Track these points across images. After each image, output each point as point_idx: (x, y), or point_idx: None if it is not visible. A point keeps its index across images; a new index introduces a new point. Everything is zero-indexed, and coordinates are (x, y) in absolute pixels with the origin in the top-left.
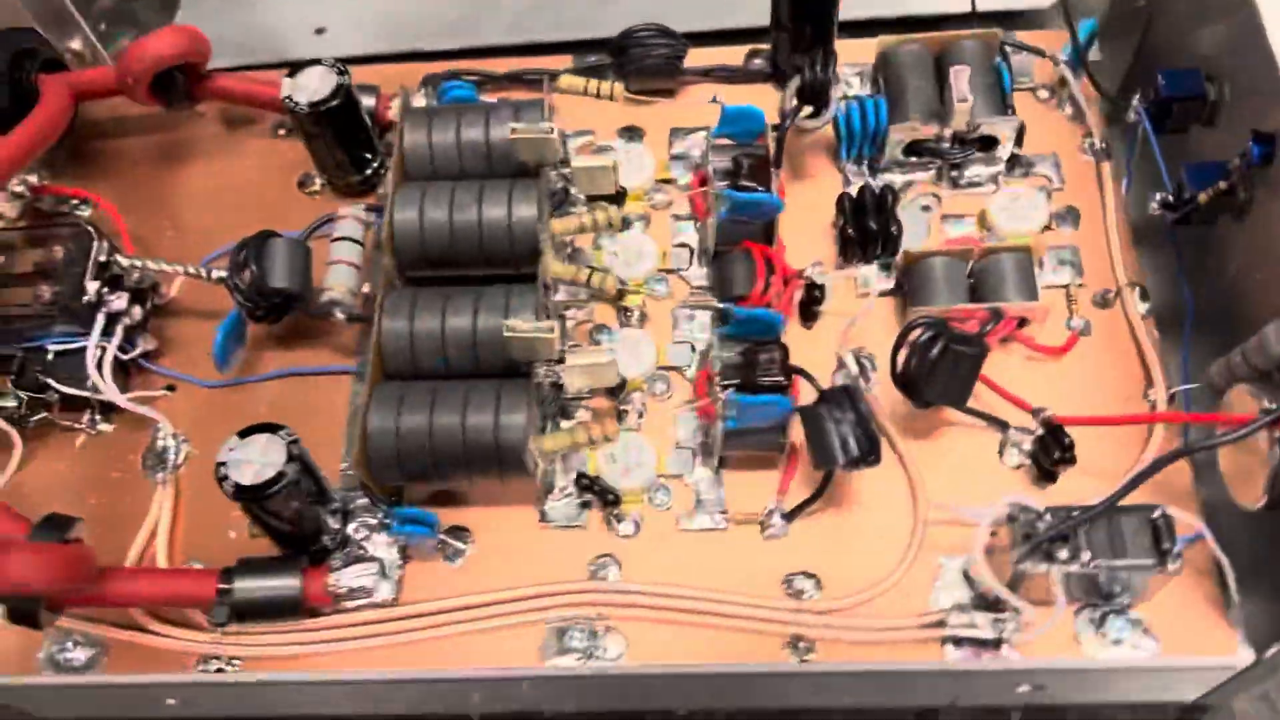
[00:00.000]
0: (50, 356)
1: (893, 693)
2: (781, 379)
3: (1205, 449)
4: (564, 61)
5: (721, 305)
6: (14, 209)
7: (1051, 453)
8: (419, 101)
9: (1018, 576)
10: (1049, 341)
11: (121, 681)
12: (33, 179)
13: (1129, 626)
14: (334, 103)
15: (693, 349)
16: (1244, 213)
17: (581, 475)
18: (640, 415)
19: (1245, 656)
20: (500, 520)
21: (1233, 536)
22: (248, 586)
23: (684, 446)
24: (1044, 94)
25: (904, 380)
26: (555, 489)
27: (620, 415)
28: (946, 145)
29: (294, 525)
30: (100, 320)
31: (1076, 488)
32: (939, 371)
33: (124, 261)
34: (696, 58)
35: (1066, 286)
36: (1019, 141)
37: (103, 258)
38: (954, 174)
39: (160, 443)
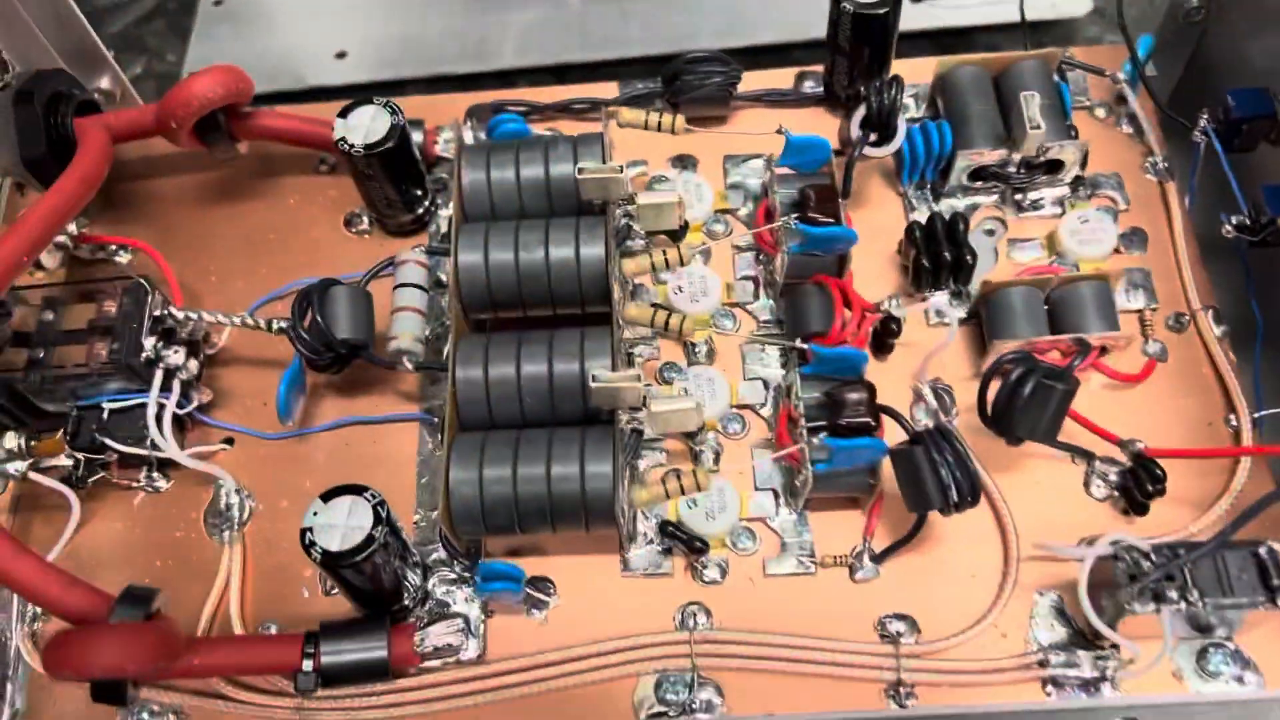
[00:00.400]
0: (106, 415)
1: None
2: (870, 420)
3: None
4: (609, 88)
5: (802, 345)
6: (54, 259)
7: (1144, 485)
8: (466, 134)
9: (1118, 613)
10: (1123, 366)
11: None
12: (71, 228)
13: (1231, 660)
14: (389, 144)
15: (765, 385)
16: None
17: (666, 524)
18: (717, 456)
19: None
20: (582, 570)
21: None
22: (334, 652)
23: (763, 488)
24: (1101, 112)
25: (994, 418)
26: (638, 537)
27: (695, 456)
28: (1012, 170)
29: (378, 585)
30: (158, 376)
31: (1162, 517)
32: (1031, 408)
33: (179, 314)
34: (745, 81)
35: (1140, 311)
36: (1083, 164)
37: (157, 311)
38: (1018, 197)
39: (224, 500)
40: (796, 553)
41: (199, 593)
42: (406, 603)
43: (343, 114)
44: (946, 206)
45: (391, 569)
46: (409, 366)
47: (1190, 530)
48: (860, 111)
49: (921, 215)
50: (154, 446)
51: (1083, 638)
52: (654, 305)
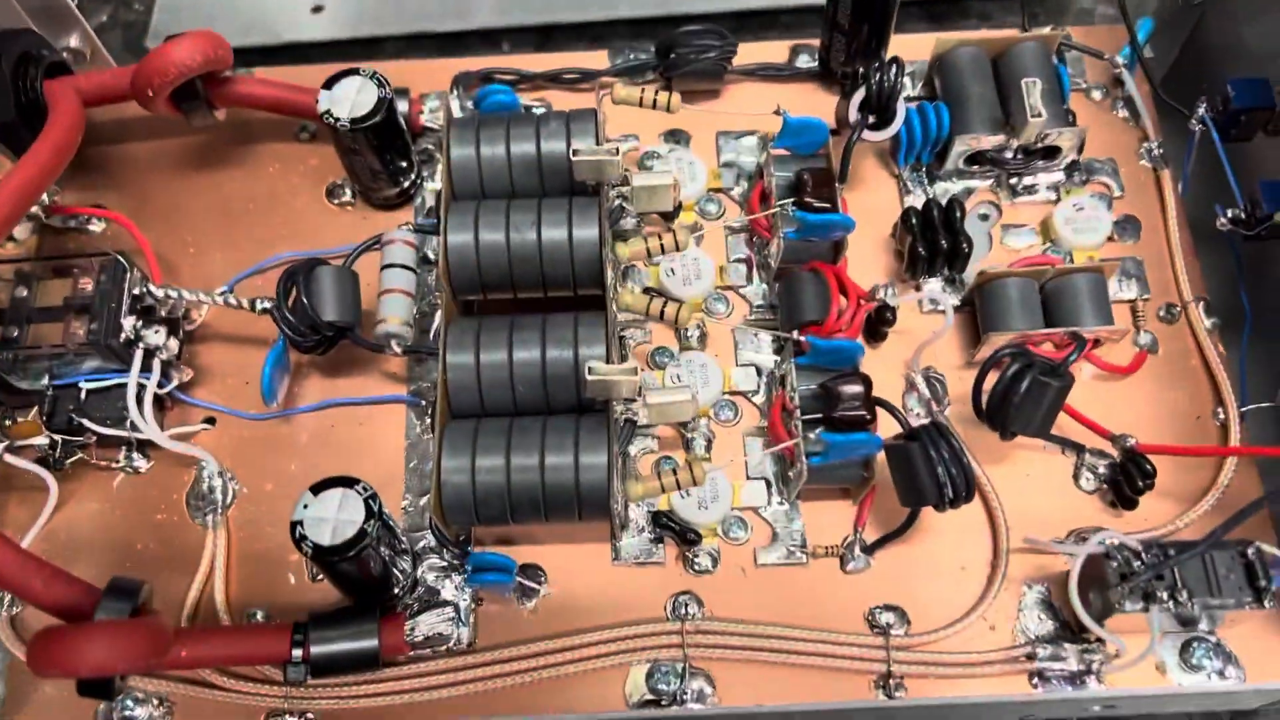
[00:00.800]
0: (83, 395)
1: (967, 717)
2: (866, 414)
3: None
4: (599, 57)
5: (798, 337)
6: (25, 229)
7: (1134, 481)
8: (453, 104)
9: (1106, 608)
10: (1114, 357)
11: None
12: (44, 196)
13: (1213, 653)
14: (376, 119)
15: (758, 372)
16: None
17: (659, 514)
18: (709, 444)
19: None
20: (573, 558)
21: None
22: (324, 642)
23: (755, 477)
24: (1097, 95)
25: (989, 413)
26: (629, 525)
27: (687, 444)
28: (1009, 155)
29: (368, 576)
30: (138, 356)
31: (1148, 510)
32: (1026, 403)
33: (158, 293)
34: (739, 54)
35: (1133, 301)
36: (1080, 149)
37: (136, 290)
38: (1012, 182)
39: (206, 482)
40: (788, 542)
41: (182, 577)
42: (396, 591)
43: (327, 85)
44: (941, 190)
45: (381, 560)
46: (397, 350)
47: (1176, 525)
48: (859, 94)
49: (917, 199)
50: (133, 428)
51: (1069, 629)
52: (648, 291)
